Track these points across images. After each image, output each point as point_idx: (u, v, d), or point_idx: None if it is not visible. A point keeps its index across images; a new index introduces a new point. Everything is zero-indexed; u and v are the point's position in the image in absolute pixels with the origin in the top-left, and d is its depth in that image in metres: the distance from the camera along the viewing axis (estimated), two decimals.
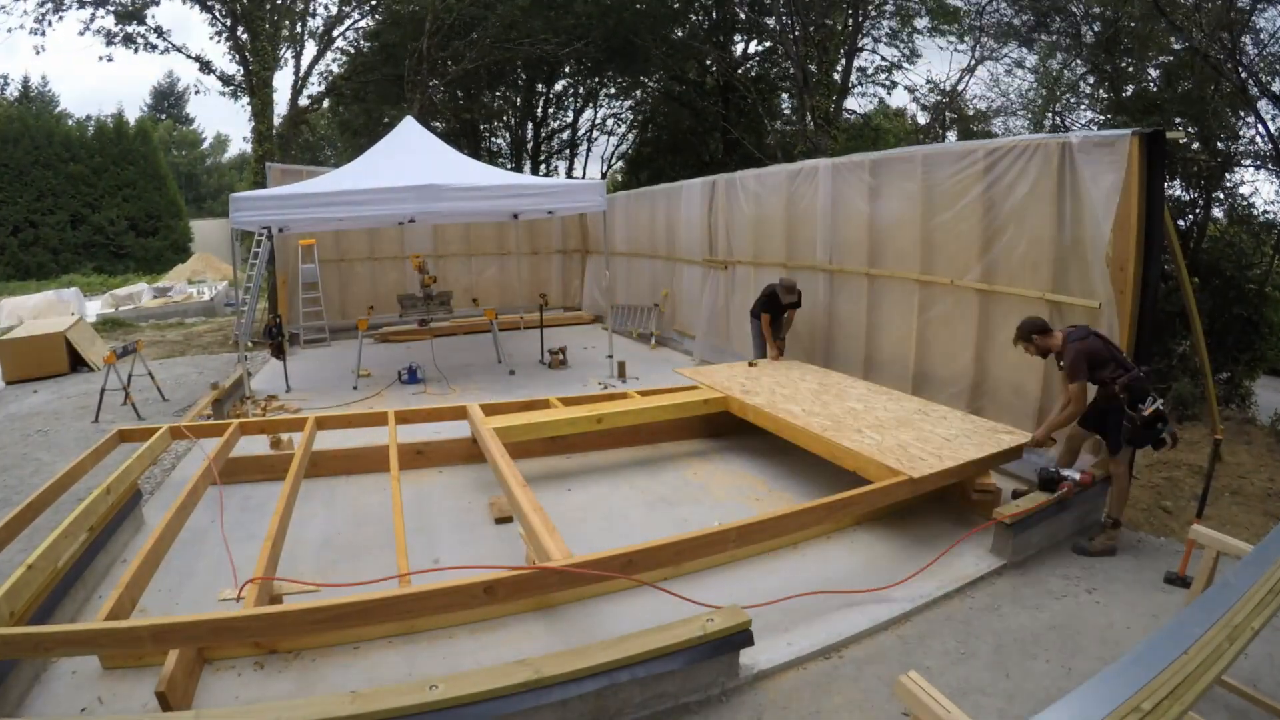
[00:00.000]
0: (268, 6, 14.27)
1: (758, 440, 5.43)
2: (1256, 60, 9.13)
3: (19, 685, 2.76)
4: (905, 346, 5.94)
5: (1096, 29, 11.37)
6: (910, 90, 17.89)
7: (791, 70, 16.28)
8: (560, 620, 3.30)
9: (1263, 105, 9.17)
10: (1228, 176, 9.49)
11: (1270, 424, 7.29)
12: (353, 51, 17.74)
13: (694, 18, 19.44)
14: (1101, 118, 11.32)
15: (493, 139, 22.74)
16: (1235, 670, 2.60)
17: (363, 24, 17.22)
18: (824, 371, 6.23)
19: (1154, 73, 10.63)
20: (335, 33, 16.32)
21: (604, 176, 24.25)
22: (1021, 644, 3.14)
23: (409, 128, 9.52)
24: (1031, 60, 14.25)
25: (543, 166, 22.97)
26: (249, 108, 14.22)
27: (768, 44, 18.97)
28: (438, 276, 9.70)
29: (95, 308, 16.96)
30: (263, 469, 5.05)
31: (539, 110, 22.15)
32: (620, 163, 24.82)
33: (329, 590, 2.90)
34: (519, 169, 20.87)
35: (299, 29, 15.73)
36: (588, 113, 23.34)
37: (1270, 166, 9.28)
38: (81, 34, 14.16)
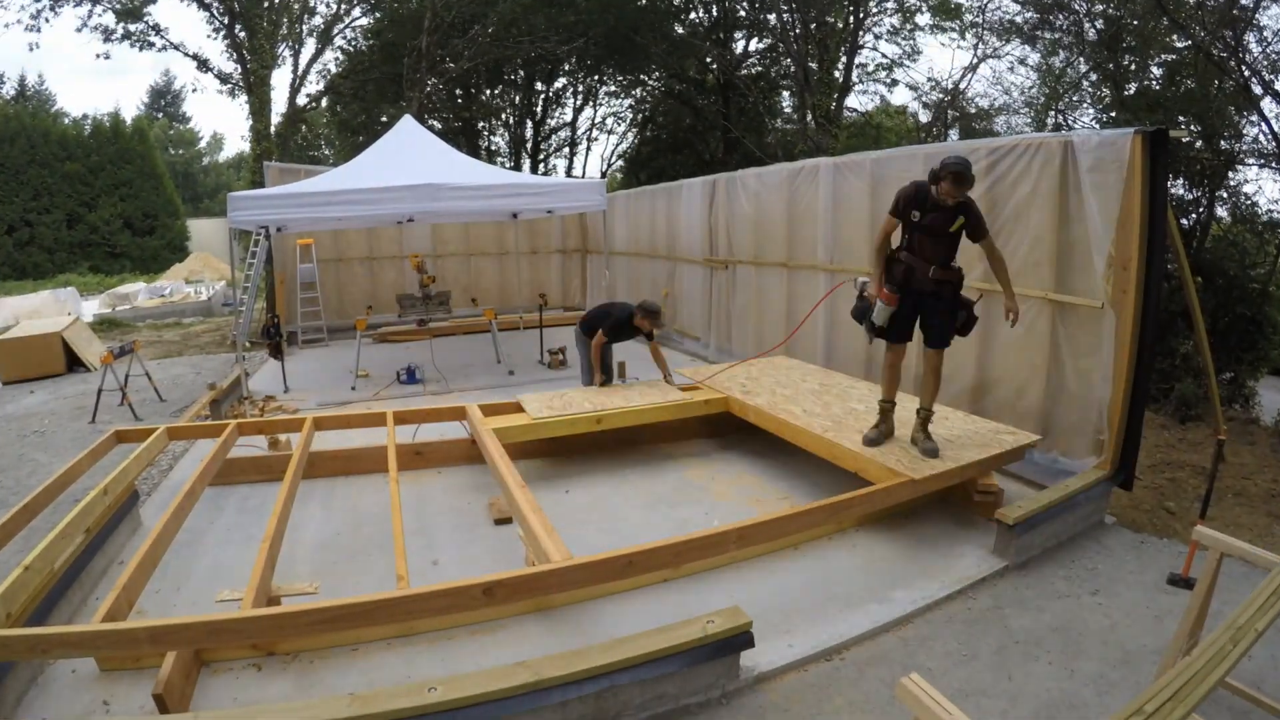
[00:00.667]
0: (265, 4, 14.23)
1: (758, 441, 5.41)
2: (1260, 58, 9.10)
3: (16, 687, 2.74)
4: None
5: (1099, 27, 11.34)
6: (912, 88, 17.90)
7: (792, 68, 16.27)
8: (560, 622, 3.29)
9: (1266, 103, 9.14)
10: (1231, 175, 9.46)
11: (1274, 424, 7.27)
12: (351, 50, 17.72)
13: (694, 15, 19.41)
14: (1104, 116, 11.29)
15: (492, 137, 22.72)
16: (1239, 672, 2.59)
17: (362, 22, 17.22)
18: (825, 372, 6.21)
19: (1157, 71, 10.59)
20: (334, 31, 16.30)
21: (604, 175, 24.22)
22: (1024, 645, 3.12)
23: (407, 126, 9.49)
24: (1034, 58, 14.24)
25: (542, 165, 22.93)
26: (247, 106, 14.19)
27: (768, 42, 18.95)
28: (436, 276, 9.68)
29: (92, 308, 16.93)
30: (260, 470, 5.03)
31: (538, 109, 22.11)
32: (620, 161, 24.80)
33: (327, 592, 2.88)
34: (518, 168, 20.83)
35: (297, 27, 15.70)
36: (587, 111, 23.33)
37: (1274, 165, 9.24)
38: (79, 30, 14.14)
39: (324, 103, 18.81)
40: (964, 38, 16.01)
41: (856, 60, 16.98)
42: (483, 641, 3.13)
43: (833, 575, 3.69)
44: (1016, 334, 4.95)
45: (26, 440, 6.37)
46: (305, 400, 7.33)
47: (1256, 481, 5.24)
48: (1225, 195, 9.62)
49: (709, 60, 19.71)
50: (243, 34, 14.02)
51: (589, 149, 24.93)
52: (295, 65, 15.67)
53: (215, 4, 14.15)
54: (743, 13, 18.87)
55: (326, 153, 25.41)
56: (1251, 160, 9.44)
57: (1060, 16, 12.00)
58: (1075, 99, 12.63)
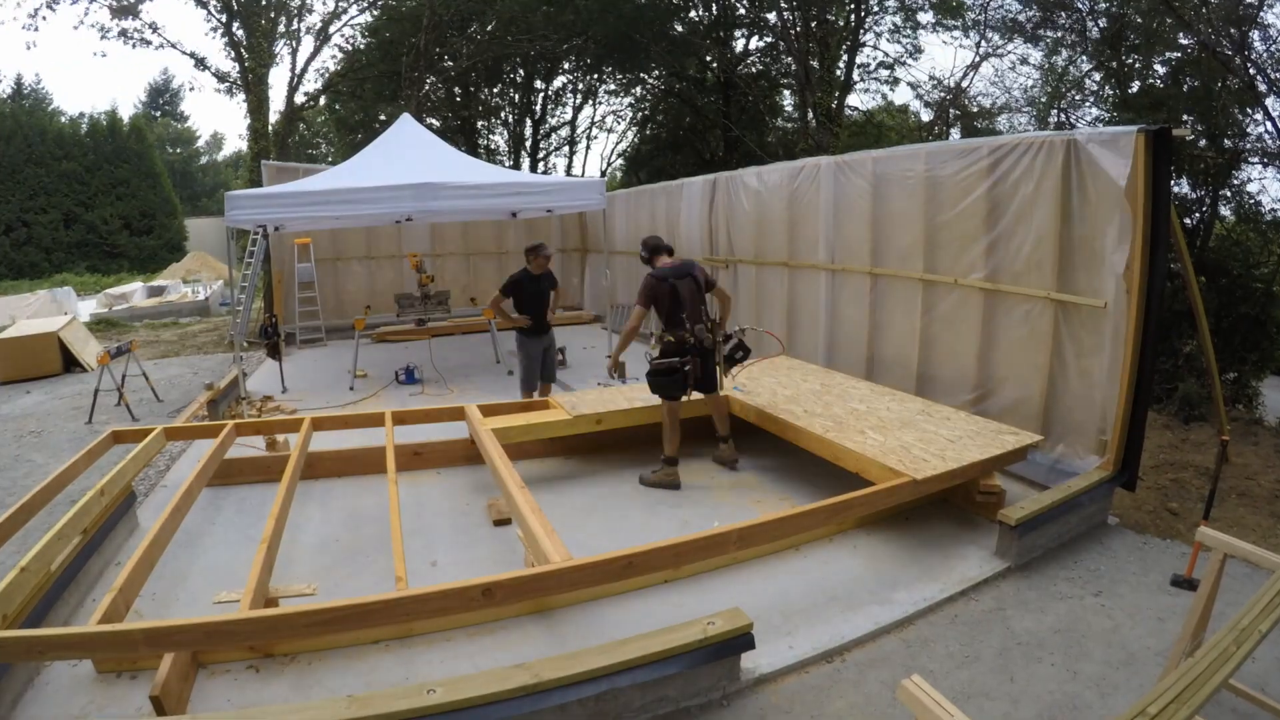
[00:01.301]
0: (263, 2, 14.19)
1: (759, 441, 5.39)
2: (1265, 56, 9.06)
3: (12, 689, 2.73)
4: (908, 346, 5.89)
5: (1102, 25, 11.31)
6: (914, 86, 17.85)
7: (793, 67, 16.23)
8: (559, 623, 3.27)
9: (1271, 102, 9.09)
10: (1235, 174, 9.41)
11: (1278, 424, 7.25)
12: (349, 48, 17.68)
13: (694, 13, 19.37)
14: (1107, 115, 11.25)
15: (491, 136, 22.69)
16: (1243, 674, 2.57)
17: (360, 20, 17.17)
18: (826, 372, 6.19)
19: (1161, 69, 10.55)
20: (332, 29, 16.26)
21: (603, 174, 24.20)
22: (1026, 647, 3.11)
23: (406, 125, 9.46)
24: (1037, 56, 14.19)
25: (541, 164, 22.90)
26: (244, 105, 14.16)
27: (769, 40, 18.93)
28: (435, 276, 9.65)
29: (89, 307, 16.92)
30: (258, 470, 5.01)
31: (538, 107, 22.08)
32: (620, 160, 24.78)
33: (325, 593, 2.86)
34: (517, 167, 20.80)
35: (295, 25, 15.67)
36: (587, 110, 23.32)
37: (1278, 164, 9.21)
38: (76, 28, 14.15)
39: (322, 101, 18.76)
40: (966, 36, 15.97)
41: (858, 59, 16.98)
42: (482, 643, 3.11)
43: (834, 576, 3.67)
44: (1019, 334, 4.95)
45: (23, 441, 6.35)
46: (303, 400, 7.31)
47: (1260, 482, 5.22)
48: (1229, 194, 9.58)
49: (709, 59, 19.67)
50: (240, 32, 13.98)
51: (588, 148, 25.11)
52: (293, 64, 15.64)
53: (213, 2, 14.11)
54: (742, 11, 18.83)
55: (325, 151, 25.39)
56: (1256, 159, 9.40)
57: (1063, 14, 11.96)
58: (1078, 98, 12.60)
